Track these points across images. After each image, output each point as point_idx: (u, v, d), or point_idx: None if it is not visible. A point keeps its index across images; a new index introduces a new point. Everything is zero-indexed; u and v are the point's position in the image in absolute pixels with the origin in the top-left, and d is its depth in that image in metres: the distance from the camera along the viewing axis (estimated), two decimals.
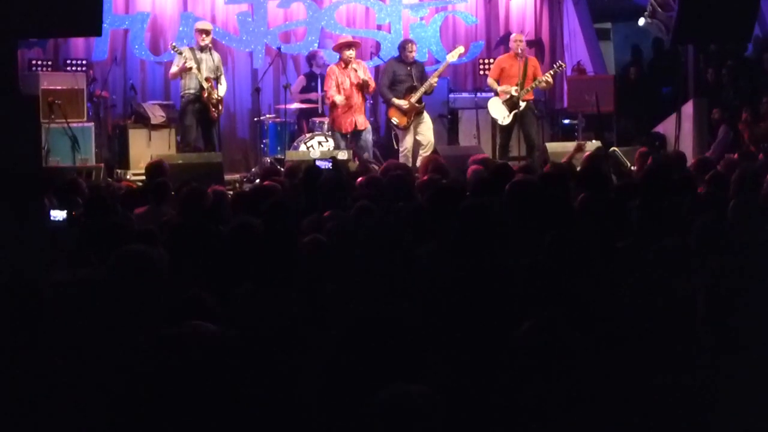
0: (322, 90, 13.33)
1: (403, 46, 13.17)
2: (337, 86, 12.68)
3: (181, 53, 12.36)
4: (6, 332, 3.65)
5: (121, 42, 14.00)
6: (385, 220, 5.72)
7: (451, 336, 3.84)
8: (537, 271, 4.31)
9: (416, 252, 5.15)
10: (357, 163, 12.14)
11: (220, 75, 12.72)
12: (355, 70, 12.72)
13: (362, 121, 12.86)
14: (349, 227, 5.52)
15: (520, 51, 13.20)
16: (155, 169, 9.53)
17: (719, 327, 3.85)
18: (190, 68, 12.32)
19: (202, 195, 7.11)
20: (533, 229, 5.36)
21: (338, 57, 12.97)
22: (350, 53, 12.79)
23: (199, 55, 12.55)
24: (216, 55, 12.82)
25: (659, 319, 4.09)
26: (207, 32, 12.71)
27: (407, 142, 12.93)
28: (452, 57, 13.38)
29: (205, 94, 12.44)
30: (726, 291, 3.94)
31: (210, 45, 12.72)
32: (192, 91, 12.50)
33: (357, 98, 12.75)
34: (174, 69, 12.72)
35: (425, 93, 12.88)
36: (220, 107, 12.70)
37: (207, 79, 12.45)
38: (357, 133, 12.80)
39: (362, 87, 12.71)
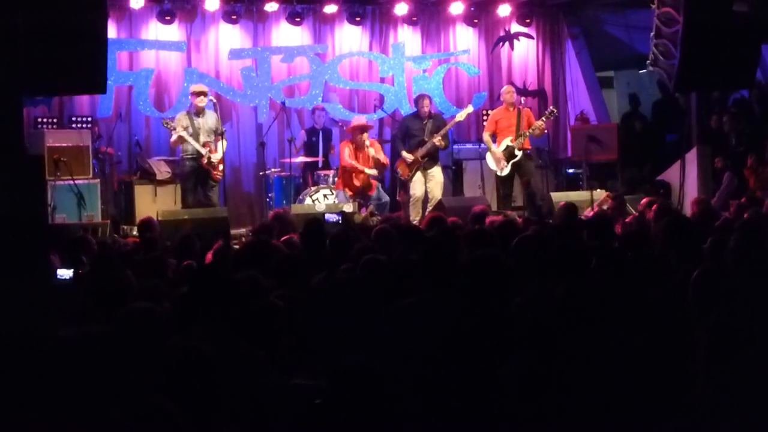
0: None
1: (416, 101, 13.49)
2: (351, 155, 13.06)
3: (174, 128, 12.37)
4: (13, 387, 3.64)
5: (125, 98, 14.05)
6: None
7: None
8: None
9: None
10: (362, 215, 12.20)
11: (221, 132, 12.58)
12: (368, 151, 13.01)
13: (368, 187, 13.21)
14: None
15: (511, 102, 13.34)
16: (144, 225, 9.83)
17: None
18: (181, 137, 12.33)
19: (192, 241, 7.16)
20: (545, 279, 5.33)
21: (350, 137, 13.34)
22: (363, 137, 13.08)
23: (195, 120, 12.52)
24: (213, 115, 12.68)
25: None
26: (203, 93, 12.61)
27: (418, 192, 13.05)
28: (461, 117, 13.52)
29: (204, 160, 12.39)
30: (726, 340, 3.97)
31: (205, 105, 12.57)
32: (191, 155, 12.48)
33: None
34: (172, 138, 12.64)
35: (429, 151, 12.98)
36: (221, 167, 12.60)
37: (205, 144, 12.43)
38: (364, 196, 13.13)
39: (376, 166, 13.08)
